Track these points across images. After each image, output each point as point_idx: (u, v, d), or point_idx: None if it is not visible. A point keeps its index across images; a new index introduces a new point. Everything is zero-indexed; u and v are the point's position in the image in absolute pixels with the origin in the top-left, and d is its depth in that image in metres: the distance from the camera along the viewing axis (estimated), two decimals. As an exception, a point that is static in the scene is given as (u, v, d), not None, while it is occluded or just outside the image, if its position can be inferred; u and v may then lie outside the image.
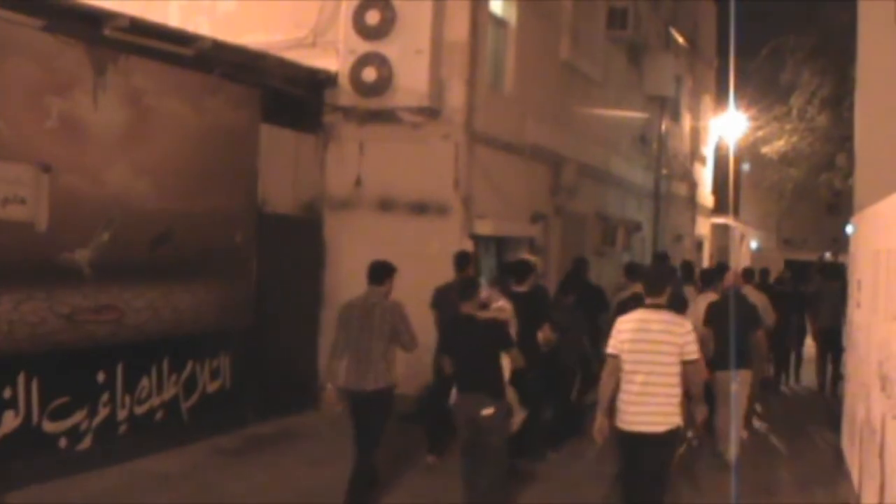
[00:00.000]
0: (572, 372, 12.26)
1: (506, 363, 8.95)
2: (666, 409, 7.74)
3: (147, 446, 10.54)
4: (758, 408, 15.14)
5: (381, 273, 9.82)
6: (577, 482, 10.66)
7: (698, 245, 31.02)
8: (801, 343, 19.87)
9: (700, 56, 28.78)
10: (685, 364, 7.77)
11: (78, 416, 9.82)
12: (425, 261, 13.20)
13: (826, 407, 16.16)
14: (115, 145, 10.24)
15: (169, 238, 10.96)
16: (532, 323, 10.94)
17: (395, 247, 13.44)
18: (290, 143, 13.43)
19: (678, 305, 10.11)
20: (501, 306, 10.41)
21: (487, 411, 8.39)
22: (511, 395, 9.19)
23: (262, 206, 12.69)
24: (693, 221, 29.43)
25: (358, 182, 13.90)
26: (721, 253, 33.76)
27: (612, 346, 7.92)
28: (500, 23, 15.12)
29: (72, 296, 9.71)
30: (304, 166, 13.72)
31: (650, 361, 7.73)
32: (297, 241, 13.50)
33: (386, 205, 13.83)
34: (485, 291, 10.33)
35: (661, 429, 7.73)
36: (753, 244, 44.40)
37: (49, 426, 9.50)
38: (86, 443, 9.94)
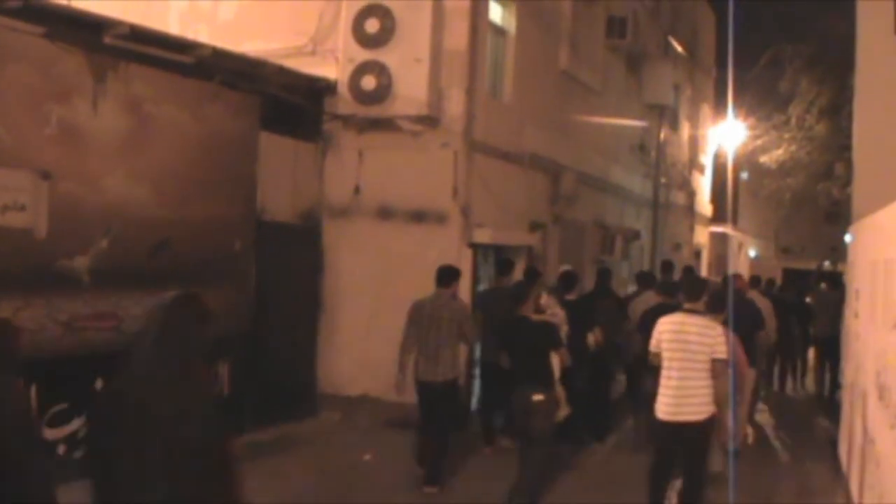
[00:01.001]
0: (611, 371, 13.91)
1: (555, 362, 9.88)
2: (701, 399, 8.70)
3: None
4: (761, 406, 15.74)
5: (447, 277, 11.01)
6: (617, 469, 11.79)
7: (697, 253, 31.04)
8: (804, 349, 20.11)
9: (699, 65, 28.83)
10: (712, 361, 8.68)
11: (76, 423, 9.80)
12: (424, 269, 13.20)
13: (824, 415, 16.17)
14: (114, 152, 10.25)
15: (167, 245, 10.95)
16: (579, 327, 12.19)
17: (394, 255, 13.53)
18: (289, 150, 13.45)
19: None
20: (555, 313, 11.68)
21: (538, 397, 9.48)
22: (560, 391, 9.90)
23: (261, 214, 12.69)
24: (691, 230, 29.46)
25: (357, 190, 13.91)
26: (719, 261, 33.78)
27: (654, 344, 9.07)
28: (499, 31, 15.15)
29: (70, 303, 9.71)
30: (303, 174, 13.73)
31: (686, 359, 8.74)
32: (295, 248, 13.51)
33: (385, 213, 13.85)
34: (544, 298, 11.68)
35: (697, 418, 8.69)
36: (752, 253, 44.40)
37: (48, 433, 9.49)
38: (84, 450, 9.92)
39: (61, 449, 9.66)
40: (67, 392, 9.72)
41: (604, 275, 15.23)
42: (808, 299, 20.91)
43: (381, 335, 12.94)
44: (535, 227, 16.19)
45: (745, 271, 32.55)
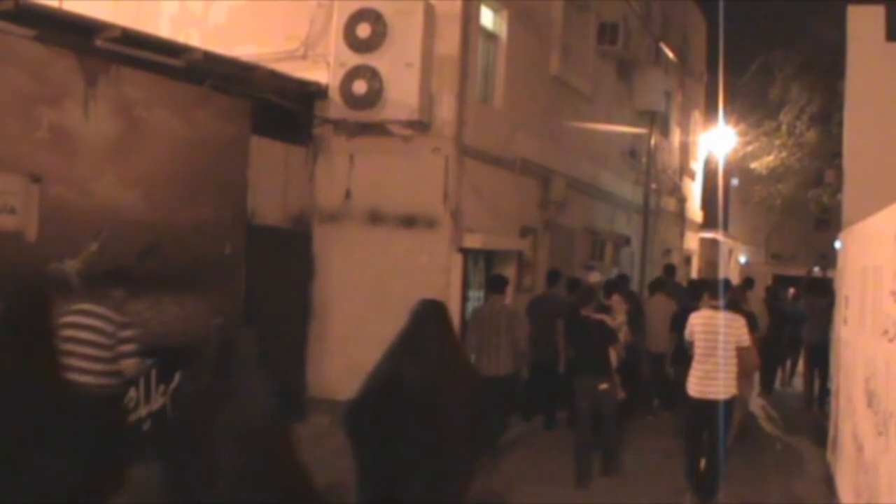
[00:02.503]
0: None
1: (613, 355, 11.89)
2: (727, 382, 10.46)
3: (135, 456, 10.50)
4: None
5: (500, 284, 13.17)
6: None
7: (687, 259, 31.05)
8: (795, 352, 20.59)
9: (690, 71, 28.87)
10: (739, 349, 10.51)
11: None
12: (414, 274, 13.23)
13: (813, 422, 16.19)
14: (105, 156, 10.24)
15: (158, 249, 10.94)
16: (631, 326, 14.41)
17: (384, 260, 13.52)
18: (279, 155, 13.45)
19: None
20: (620, 311, 13.83)
21: (604, 386, 11.63)
22: (616, 378, 11.90)
23: (252, 218, 12.69)
24: (682, 236, 29.49)
25: (347, 194, 13.90)
26: (710, 268, 33.81)
27: (687, 335, 10.89)
28: (490, 37, 15.17)
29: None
30: (293, 178, 13.72)
31: (715, 347, 10.45)
32: (286, 253, 13.50)
33: (375, 217, 13.84)
34: (614, 299, 13.98)
35: (723, 396, 10.42)
36: (742, 259, 44.48)
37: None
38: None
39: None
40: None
41: (623, 279, 17.46)
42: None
43: (371, 339, 12.80)
44: (525, 232, 16.20)
45: (735, 277, 32.61)
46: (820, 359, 17.52)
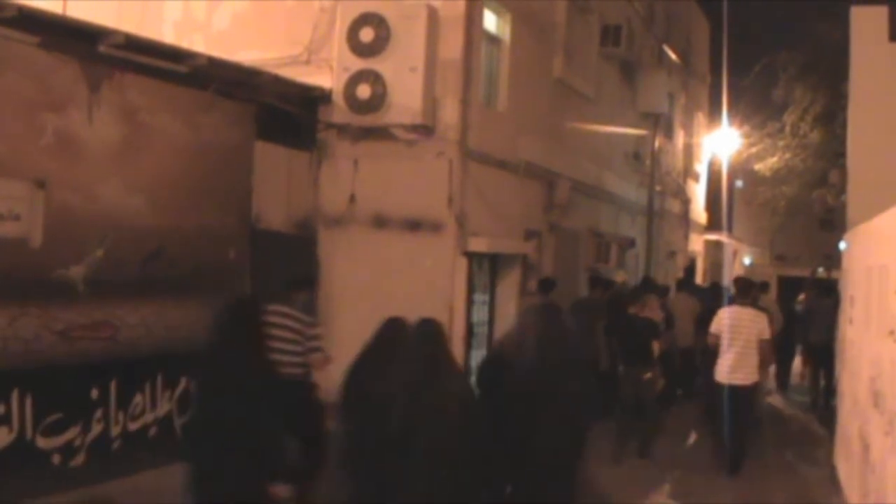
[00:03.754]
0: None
1: (655, 348, 13.28)
2: (749, 370, 12.41)
3: (141, 463, 10.52)
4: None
5: (550, 286, 14.95)
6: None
7: (691, 261, 31.04)
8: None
9: (693, 73, 28.86)
10: (760, 341, 12.41)
11: (72, 433, 9.80)
12: (419, 278, 13.23)
13: (819, 422, 16.19)
14: (109, 162, 10.25)
15: (162, 254, 10.95)
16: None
17: (389, 264, 13.51)
18: (283, 159, 13.45)
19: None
20: (654, 308, 14.72)
21: (647, 375, 13.14)
22: (658, 369, 13.36)
23: (256, 223, 12.69)
24: (686, 238, 29.48)
25: (352, 199, 13.90)
26: (714, 269, 33.81)
27: (715, 328, 12.71)
28: (493, 40, 15.16)
29: (66, 312, 9.71)
30: (297, 183, 13.73)
31: (741, 339, 12.37)
32: (290, 257, 13.48)
33: (379, 222, 13.83)
34: (651, 300, 14.75)
35: (745, 383, 12.44)
36: (746, 260, 44.46)
37: (42, 442, 9.48)
38: (79, 459, 9.91)
39: (56, 458, 9.65)
40: (62, 402, 9.71)
41: (648, 281, 18.79)
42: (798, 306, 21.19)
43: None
44: (530, 235, 16.20)
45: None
46: (825, 359, 17.53)
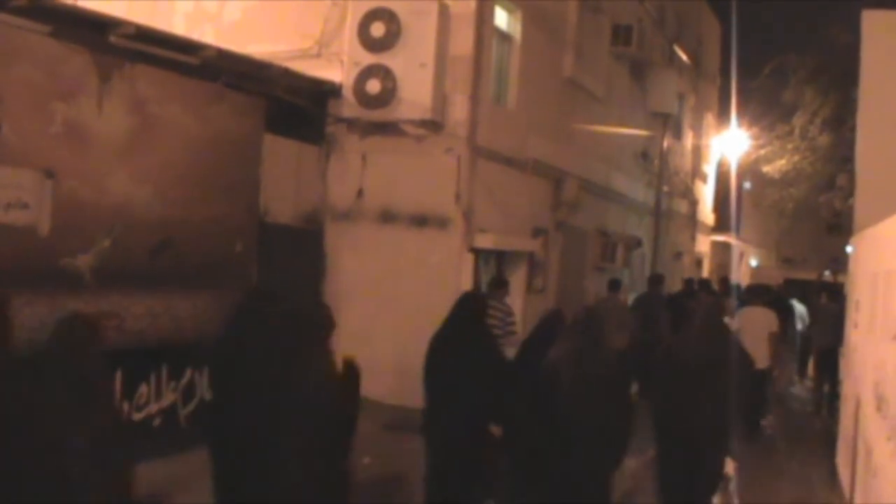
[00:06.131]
0: None
1: None
2: (761, 356, 13.72)
3: (145, 453, 10.52)
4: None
5: (618, 285, 16.85)
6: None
7: (698, 262, 31.06)
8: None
9: (703, 74, 28.85)
10: (770, 333, 14.67)
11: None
12: (425, 273, 13.26)
13: (822, 426, 16.19)
14: (118, 152, 10.26)
15: (170, 245, 10.96)
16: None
17: (396, 259, 13.54)
18: (292, 153, 13.47)
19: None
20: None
21: None
22: None
23: (264, 216, 12.70)
24: (693, 239, 29.49)
25: (360, 193, 13.93)
26: (721, 270, 33.79)
27: (735, 326, 14.14)
28: (504, 38, 15.18)
29: (73, 301, 9.70)
30: (306, 177, 13.75)
31: (754, 331, 14.17)
32: (298, 251, 13.52)
33: (387, 217, 13.85)
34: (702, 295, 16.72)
35: (761, 366, 13.43)
36: (753, 262, 44.41)
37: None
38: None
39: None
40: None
41: (691, 283, 20.98)
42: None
43: (382, 339, 12.97)
44: (537, 233, 16.21)
45: (745, 281, 32.59)
46: (829, 362, 17.52)
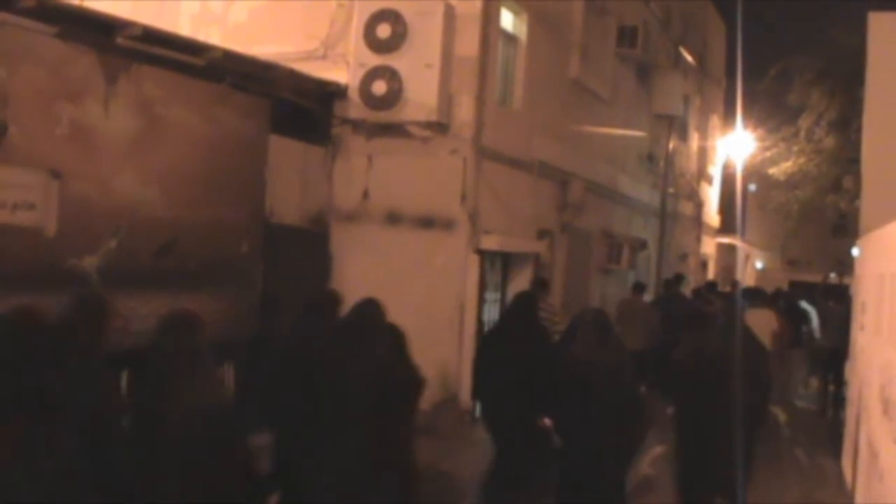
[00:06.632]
0: None
1: None
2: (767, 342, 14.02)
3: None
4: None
5: (642, 287, 18.16)
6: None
7: (703, 264, 31.04)
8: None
9: (709, 75, 28.84)
10: (771, 332, 16.02)
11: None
12: (431, 275, 13.26)
13: (828, 427, 16.18)
14: (124, 153, 10.27)
15: (175, 246, 10.96)
16: None
17: (401, 260, 13.53)
18: (298, 154, 13.47)
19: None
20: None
21: None
22: None
23: (270, 217, 12.71)
24: (698, 240, 29.47)
25: (365, 195, 13.92)
26: (726, 272, 33.78)
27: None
28: (510, 39, 15.18)
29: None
30: (311, 178, 13.75)
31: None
32: (303, 252, 13.51)
33: (393, 218, 13.85)
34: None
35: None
36: (758, 264, 44.40)
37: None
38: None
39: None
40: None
41: (713, 285, 22.00)
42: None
43: (387, 340, 12.94)
44: (542, 234, 16.21)
45: (751, 283, 32.59)
46: (835, 365, 17.51)
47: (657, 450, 12.35)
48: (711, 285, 22.51)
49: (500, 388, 9.61)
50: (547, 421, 8.92)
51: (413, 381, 8.18)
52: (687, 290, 21.06)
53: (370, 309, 8.36)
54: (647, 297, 19.72)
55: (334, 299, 9.17)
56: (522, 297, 10.75)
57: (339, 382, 7.62)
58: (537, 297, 11.41)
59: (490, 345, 10.19)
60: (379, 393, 7.56)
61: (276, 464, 8.20)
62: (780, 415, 17.42)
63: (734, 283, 23.37)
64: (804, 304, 20.41)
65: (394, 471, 7.69)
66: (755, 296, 18.03)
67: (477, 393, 10.35)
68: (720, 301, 16.88)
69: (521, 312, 10.15)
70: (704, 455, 9.40)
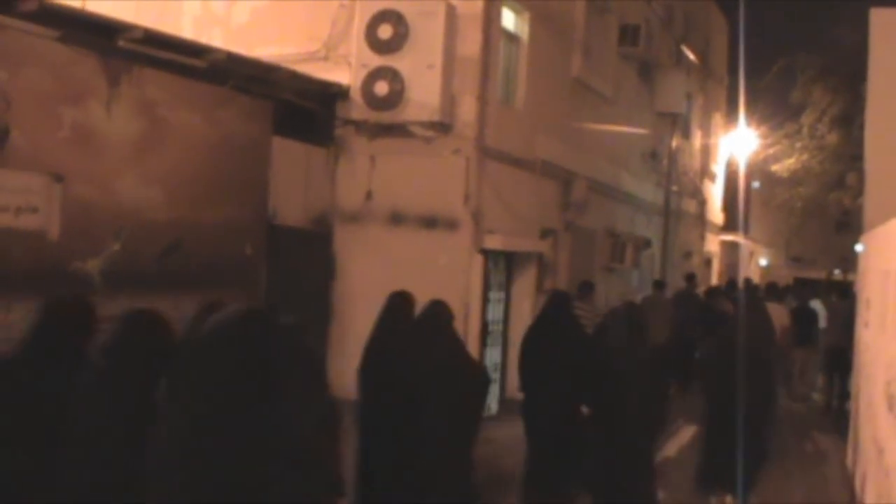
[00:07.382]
0: None
1: None
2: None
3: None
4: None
5: (662, 285, 19.30)
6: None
7: (707, 262, 31.02)
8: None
9: (711, 73, 28.81)
10: (781, 326, 15.75)
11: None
12: (434, 275, 13.23)
13: (833, 423, 16.17)
14: (127, 156, 10.29)
15: (179, 248, 10.98)
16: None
17: (405, 260, 13.51)
18: (301, 155, 13.48)
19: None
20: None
21: None
22: None
23: (273, 218, 12.72)
24: (702, 238, 29.44)
25: (368, 195, 13.93)
26: (730, 270, 33.75)
27: None
28: (512, 38, 15.17)
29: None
30: (314, 179, 13.76)
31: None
32: (306, 253, 13.52)
33: (396, 218, 13.85)
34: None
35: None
36: (762, 262, 44.38)
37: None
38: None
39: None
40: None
41: (733, 284, 22.51)
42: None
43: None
44: (545, 234, 16.20)
45: (755, 280, 32.57)
46: (839, 361, 17.48)
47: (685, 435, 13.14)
48: (731, 284, 23.03)
49: (541, 381, 9.89)
50: (585, 409, 9.32)
51: (482, 380, 8.60)
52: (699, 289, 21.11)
53: (439, 309, 8.63)
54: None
55: (408, 301, 9.32)
56: (555, 295, 11.15)
57: (417, 382, 7.94)
58: (568, 294, 11.72)
59: (528, 342, 10.44)
60: (453, 391, 7.91)
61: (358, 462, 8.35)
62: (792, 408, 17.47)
63: (747, 281, 23.45)
64: (814, 304, 20.28)
65: (464, 467, 8.07)
66: (769, 291, 19.02)
67: (523, 387, 10.53)
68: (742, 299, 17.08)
69: (554, 309, 10.43)
70: (725, 450, 9.68)
